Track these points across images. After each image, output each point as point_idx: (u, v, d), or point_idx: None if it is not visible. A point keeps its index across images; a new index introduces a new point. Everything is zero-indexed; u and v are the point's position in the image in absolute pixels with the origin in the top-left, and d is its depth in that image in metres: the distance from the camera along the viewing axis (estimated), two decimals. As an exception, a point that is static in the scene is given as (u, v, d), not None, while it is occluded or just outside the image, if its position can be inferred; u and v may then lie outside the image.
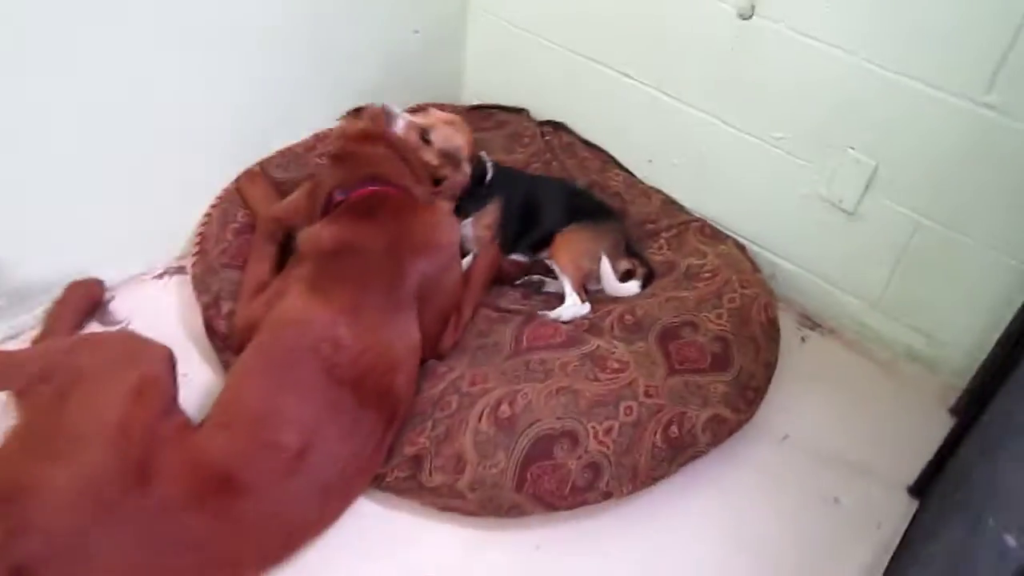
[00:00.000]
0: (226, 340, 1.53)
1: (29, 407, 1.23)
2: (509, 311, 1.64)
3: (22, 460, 1.16)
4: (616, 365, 1.43)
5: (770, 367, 1.58)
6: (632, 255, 1.79)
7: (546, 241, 1.76)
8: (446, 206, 1.69)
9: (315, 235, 1.51)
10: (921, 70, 1.50)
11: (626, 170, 1.98)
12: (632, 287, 1.72)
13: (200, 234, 1.68)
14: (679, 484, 1.47)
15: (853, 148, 1.65)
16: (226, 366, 1.53)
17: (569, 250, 1.73)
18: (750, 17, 1.67)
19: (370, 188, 1.54)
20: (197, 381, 1.51)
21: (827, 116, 1.66)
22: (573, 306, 1.66)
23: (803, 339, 1.83)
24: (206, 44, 1.60)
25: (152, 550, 1.14)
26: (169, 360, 1.31)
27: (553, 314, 1.64)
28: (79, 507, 1.11)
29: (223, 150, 1.74)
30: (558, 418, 1.35)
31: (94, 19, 1.42)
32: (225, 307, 1.55)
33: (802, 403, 1.66)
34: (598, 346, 1.48)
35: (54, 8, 1.36)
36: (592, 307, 1.67)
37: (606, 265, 1.71)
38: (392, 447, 1.38)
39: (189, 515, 1.17)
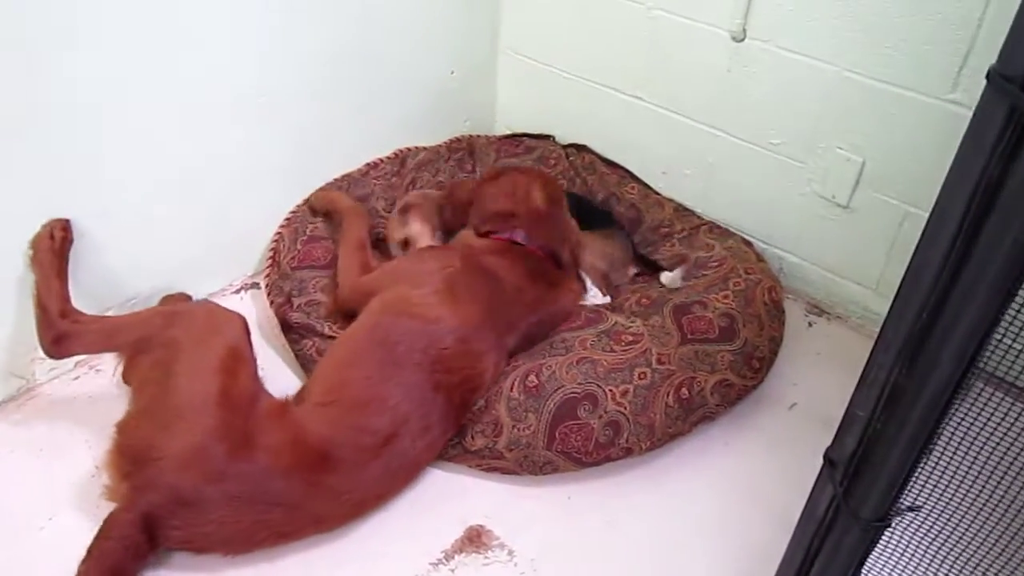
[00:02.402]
0: (330, 313, 1.73)
1: (138, 380, 1.47)
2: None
3: (144, 429, 1.38)
4: (630, 337, 1.62)
5: (775, 342, 1.75)
6: (639, 259, 1.97)
7: None
8: (577, 282, 1.86)
9: (483, 247, 1.72)
10: (896, 75, 1.69)
11: (642, 182, 2.17)
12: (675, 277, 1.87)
13: (272, 250, 1.91)
14: (694, 445, 1.65)
15: (842, 148, 1.83)
16: (301, 359, 1.72)
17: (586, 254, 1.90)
18: (743, 40, 1.88)
19: (522, 239, 1.75)
20: (273, 379, 1.62)
21: (817, 121, 1.85)
22: (594, 297, 1.86)
23: (810, 324, 2.01)
24: (270, 94, 1.85)
25: (252, 507, 1.34)
26: (246, 327, 1.51)
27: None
28: (192, 469, 1.32)
29: (288, 179, 1.99)
30: (579, 383, 1.54)
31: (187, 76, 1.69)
32: (297, 302, 1.76)
33: (809, 377, 1.83)
34: (615, 322, 1.67)
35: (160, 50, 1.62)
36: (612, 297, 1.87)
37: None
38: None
39: (286, 482, 1.36)
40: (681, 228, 2.05)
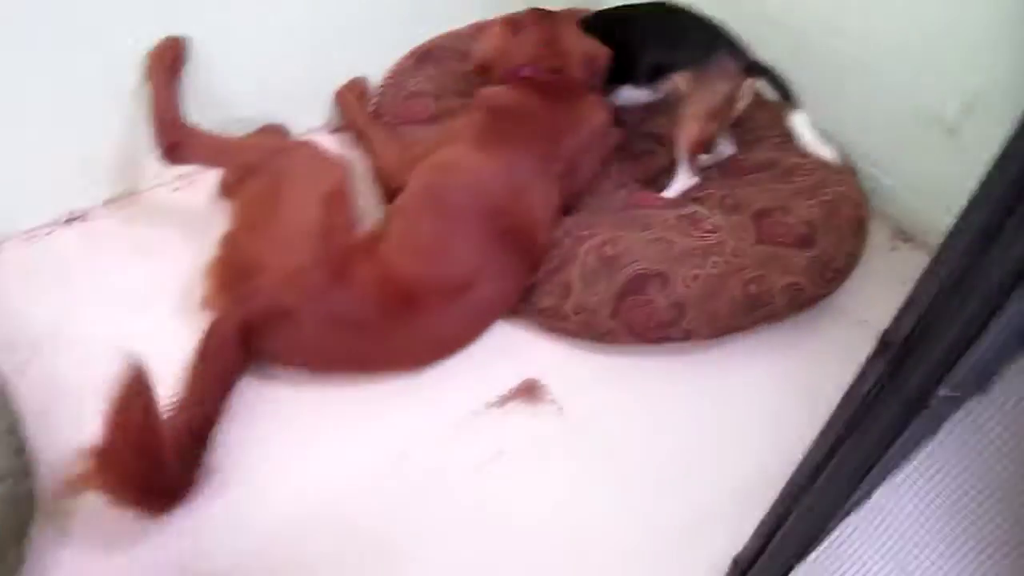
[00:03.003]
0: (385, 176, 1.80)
1: (244, 200, 1.58)
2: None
3: (250, 245, 1.50)
4: (709, 227, 1.64)
5: (852, 256, 1.74)
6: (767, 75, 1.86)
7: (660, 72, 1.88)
8: (599, 96, 1.87)
9: (496, 92, 1.76)
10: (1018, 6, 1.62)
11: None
12: (828, 151, 1.83)
13: (376, 103, 1.97)
14: (755, 343, 1.69)
15: (959, 64, 1.77)
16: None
17: (690, 109, 1.81)
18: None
19: (543, 72, 1.77)
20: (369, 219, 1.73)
21: (929, 36, 1.78)
22: (682, 181, 1.83)
23: (894, 248, 1.98)
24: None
25: (341, 331, 1.47)
26: (348, 172, 1.61)
27: (664, 194, 1.83)
28: (293, 287, 1.45)
29: (396, 30, 2.03)
30: (653, 261, 1.58)
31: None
32: None
33: (883, 299, 1.78)
34: (696, 210, 1.70)
35: None
36: (694, 194, 1.84)
37: (800, 120, 1.82)
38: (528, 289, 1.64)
39: (376, 313, 1.48)
40: (779, 134, 2.02)
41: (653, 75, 1.90)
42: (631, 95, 1.94)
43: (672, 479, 1.47)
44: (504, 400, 1.55)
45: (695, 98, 1.82)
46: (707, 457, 1.51)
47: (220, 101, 1.82)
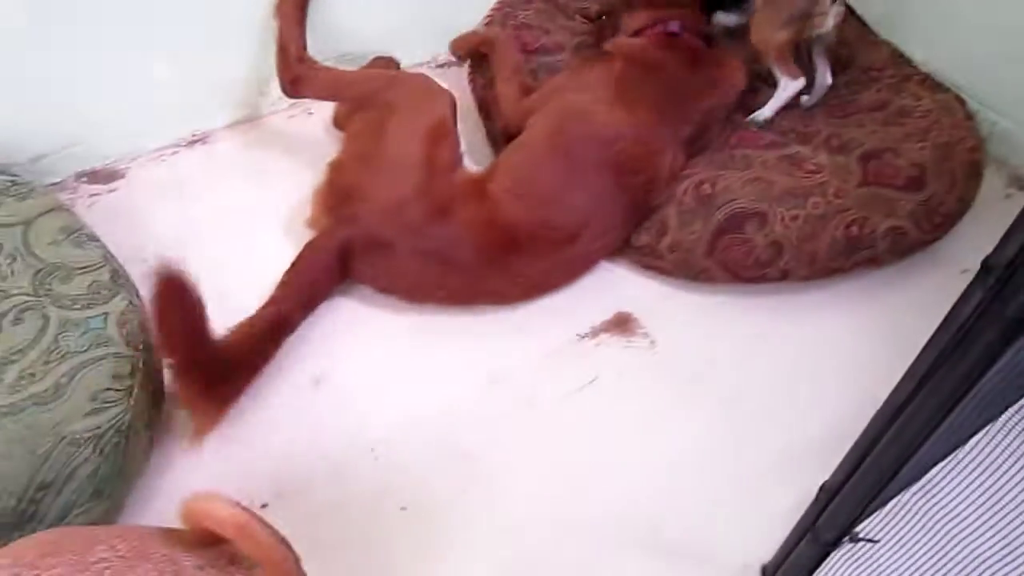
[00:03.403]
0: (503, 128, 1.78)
1: (354, 130, 1.64)
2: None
3: (354, 171, 1.56)
4: (812, 167, 1.61)
5: (964, 202, 1.68)
6: None
7: None
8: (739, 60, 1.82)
9: (636, 44, 1.73)
10: None
11: (860, 19, 2.06)
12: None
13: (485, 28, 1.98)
14: (855, 286, 1.66)
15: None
16: (494, 141, 1.82)
17: (756, 26, 1.80)
18: None
19: (677, 28, 1.75)
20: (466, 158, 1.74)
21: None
22: (786, 86, 1.78)
23: (1008, 195, 1.91)
24: None
25: (438, 266, 1.51)
26: (454, 104, 1.64)
27: (768, 109, 1.79)
28: (392, 218, 1.50)
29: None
30: (751, 200, 1.56)
31: None
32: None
33: (991, 246, 1.77)
34: (798, 151, 1.67)
35: None
36: (806, 118, 1.82)
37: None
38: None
39: (474, 254, 1.51)
40: (892, 74, 1.95)
41: None
42: (724, 19, 1.91)
43: (763, 413, 1.48)
44: (596, 332, 1.58)
45: (769, 6, 1.79)
46: (798, 394, 1.51)
47: (335, 34, 1.88)
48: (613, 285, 1.65)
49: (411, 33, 2.02)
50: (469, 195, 1.54)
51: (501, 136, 1.79)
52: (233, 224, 1.69)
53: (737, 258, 1.57)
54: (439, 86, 1.67)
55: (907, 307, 1.65)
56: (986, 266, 0.84)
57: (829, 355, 1.57)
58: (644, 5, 1.81)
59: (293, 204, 1.70)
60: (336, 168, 1.58)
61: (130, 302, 1.33)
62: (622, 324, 1.59)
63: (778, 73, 1.80)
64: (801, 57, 1.84)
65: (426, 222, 1.49)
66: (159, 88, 1.74)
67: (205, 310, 1.26)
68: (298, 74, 1.68)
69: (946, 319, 0.90)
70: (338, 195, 1.54)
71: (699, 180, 1.62)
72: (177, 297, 1.22)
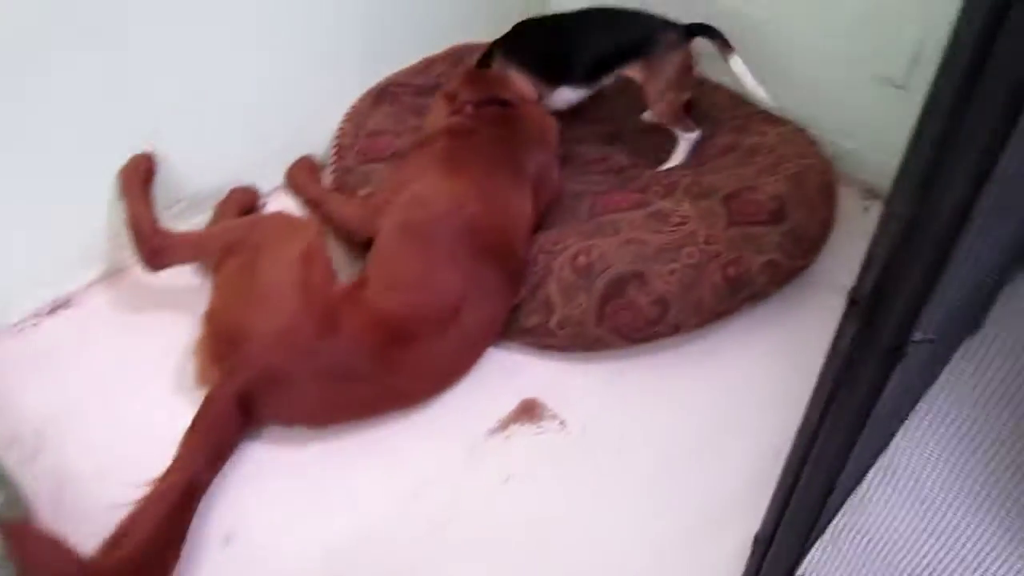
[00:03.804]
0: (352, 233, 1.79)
1: (223, 277, 1.58)
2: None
3: (232, 314, 1.51)
4: (678, 219, 1.65)
5: (826, 224, 1.75)
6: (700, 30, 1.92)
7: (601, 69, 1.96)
8: (540, 105, 1.94)
9: (451, 120, 1.79)
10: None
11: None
12: (763, 93, 1.91)
13: (337, 145, 1.98)
14: (744, 324, 1.70)
15: (900, 25, 1.80)
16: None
17: (651, 87, 1.91)
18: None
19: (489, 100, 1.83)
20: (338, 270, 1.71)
21: (869, 1, 1.81)
22: (685, 142, 1.92)
23: (866, 209, 2.00)
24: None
25: (339, 383, 1.47)
26: (321, 231, 1.62)
27: (672, 161, 1.92)
28: (283, 347, 1.45)
29: (345, 71, 2.05)
30: (628, 263, 1.58)
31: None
32: (362, 193, 1.85)
33: (862, 260, 1.84)
34: (663, 206, 1.70)
35: None
36: (666, 171, 1.90)
37: (739, 65, 1.89)
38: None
39: (370, 359, 1.47)
40: (734, 115, 2.04)
41: (592, 74, 1.97)
42: (567, 96, 2.00)
43: (686, 471, 1.47)
44: (505, 424, 1.55)
45: (654, 78, 1.90)
46: (716, 444, 1.51)
47: (187, 174, 1.84)
48: (512, 372, 1.63)
49: (267, 157, 1.99)
50: (348, 304, 1.52)
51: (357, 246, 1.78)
52: (115, 390, 1.60)
53: (627, 322, 1.57)
54: (300, 218, 1.66)
55: (798, 333, 1.69)
56: (852, 299, 0.85)
57: (738, 396, 1.59)
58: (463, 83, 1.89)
59: (178, 358, 1.63)
60: (212, 317, 1.53)
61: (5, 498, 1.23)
62: (529, 411, 1.57)
63: (676, 131, 1.92)
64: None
65: (316, 341, 1.46)
66: (6, 254, 1.66)
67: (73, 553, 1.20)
68: (156, 247, 1.64)
69: (828, 354, 0.91)
70: (221, 342, 1.49)
71: (574, 253, 1.63)
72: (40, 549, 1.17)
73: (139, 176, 1.72)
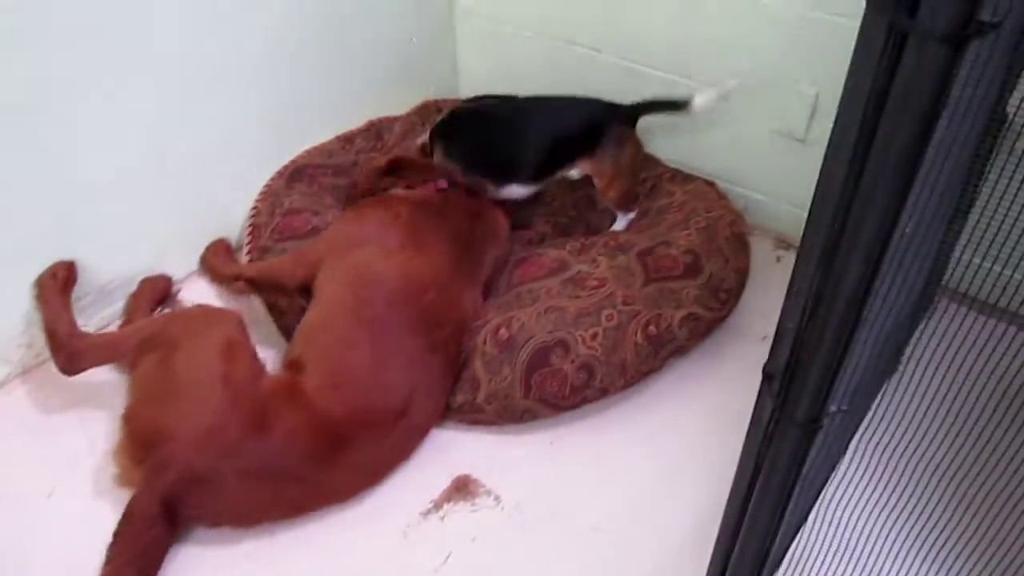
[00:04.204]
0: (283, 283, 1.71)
1: (139, 375, 1.51)
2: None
3: (151, 414, 1.43)
4: (595, 282, 1.67)
5: (741, 273, 1.79)
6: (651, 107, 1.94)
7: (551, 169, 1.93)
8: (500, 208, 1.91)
9: (413, 193, 1.76)
10: (835, 5, 1.73)
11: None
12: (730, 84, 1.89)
13: (251, 225, 1.94)
14: (669, 379, 1.71)
15: (796, 83, 1.87)
16: (284, 331, 1.74)
17: (602, 180, 1.91)
18: (692, -17, 1.91)
19: (446, 184, 1.81)
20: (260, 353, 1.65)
21: (770, 58, 1.88)
22: (624, 220, 1.97)
23: (778, 258, 2.06)
24: (231, 68, 1.87)
25: (268, 483, 1.41)
26: (241, 322, 1.56)
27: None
28: (206, 447, 1.38)
29: (259, 152, 2.02)
30: (549, 332, 1.58)
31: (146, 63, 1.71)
32: None
33: (779, 309, 1.88)
34: (579, 270, 1.72)
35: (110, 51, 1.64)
36: (582, 239, 1.92)
37: (705, 98, 1.86)
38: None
39: (303, 461, 1.41)
40: (644, 178, 2.08)
41: (541, 173, 1.93)
42: (518, 192, 1.96)
43: (624, 535, 1.46)
44: (439, 504, 1.51)
45: (604, 171, 1.90)
46: (655, 503, 1.51)
47: (88, 266, 1.78)
48: (443, 450, 1.60)
49: (180, 242, 1.95)
50: (282, 400, 1.45)
51: (291, 304, 1.73)
52: (28, 499, 1.51)
53: (554, 391, 1.57)
54: (218, 308, 1.61)
55: (723, 384, 1.72)
56: (767, 374, 0.87)
57: (670, 453, 1.59)
58: (411, 166, 1.85)
59: (96, 459, 1.56)
60: (130, 417, 1.45)
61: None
62: (462, 488, 1.54)
63: (620, 213, 1.95)
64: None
65: (243, 441, 1.39)
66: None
67: None
68: (72, 350, 1.58)
69: (750, 428, 0.92)
70: (141, 444, 1.41)
71: (495, 327, 1.62)
72: None
73: (57, 283, 1.66)
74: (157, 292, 1.86)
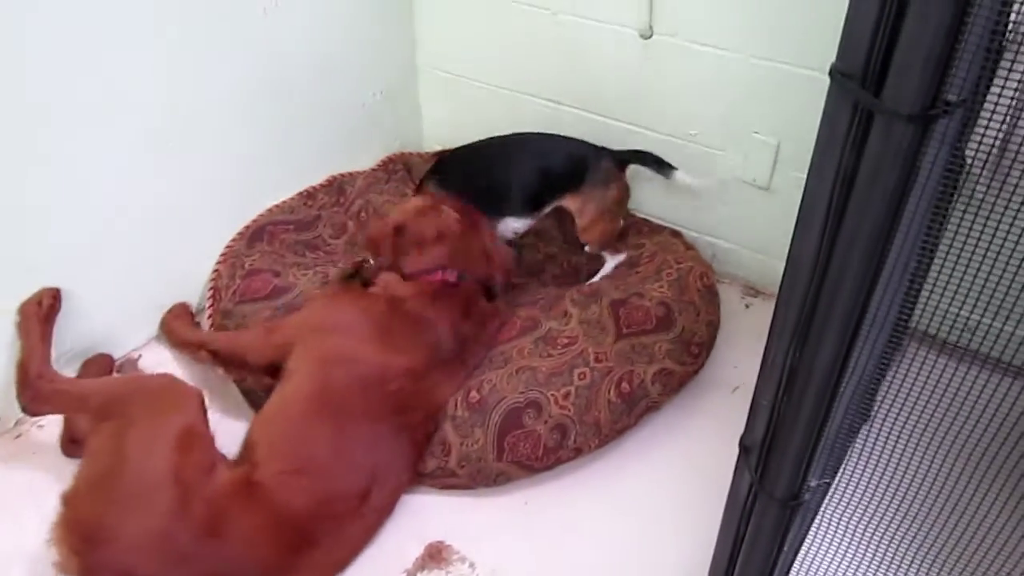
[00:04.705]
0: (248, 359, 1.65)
1: (91, 449, 1.41)
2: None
3: (94, 505, 1.32)
4: (566, 340, 1.65)
5: (712, 326, 1.79)
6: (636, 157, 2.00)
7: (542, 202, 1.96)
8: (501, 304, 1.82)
9: (406, 290, 1.65)
10: (794, 56, 1.75)
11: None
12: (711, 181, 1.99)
13: (212, 288, 1.90)
14: (643, 436, 1.69)
15: (757, 132, 1.89)
16: (249, 396, 1.71)
17: (584, 217, 1.93)
18: (650, 36, 1.92)
19: (455, 278, 1.70)
20: (222, 428, 1.56)
21: (730, 108, 1.89)
22: (611, 263, 1.97)
23: (747, 306, 2.06)
24: (188, 132, 1.84)
25: None
26: (203, 404, 1.48)
27: (599, 277, 1.95)
28: (151, 553, 1.27)
29: (219, 214, 1.99)
30: (521, 392, 1.56)
31: (103, 121, 1.67)
32: None
33: (750, 358, 1.88)
34: (549, 328, 1.70)
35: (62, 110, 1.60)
36: (559, 289, 1.91)
37: (686, 177, 1.96)
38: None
39: (264, 564, 1.34)
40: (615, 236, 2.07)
41: (533, 206, 1.96)
42: (514, 226, 1.98)
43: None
44: (412, 573, 1.47)
45: (587, 209, 1.93)
46: (633, 566, 1.47)
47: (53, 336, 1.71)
48: (416, 517, 1.56)
49: (138, 310, 1.90)
50: (237, 499, 1.36)
51: (256, 382, 1.68)
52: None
53: (527, 452, 1.54)
54: (182, 385, 1.51)
55: (699, 438, 1.70)
56: (744, 446, 0.85)
57: (647, 513, 1.56)
58: (416, 246, 1.74)
59: (40, 541, 1.48)
60: (70, 501, 1.34)
61: None
62: (436, 556, 1.50)
63: (606, 254, 1.96)
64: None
65: (194, 547, 1.29)
66: None
67: None
68: (38, 392, 1.51)
69: (728, 503, 0.90)
70: (79, 535, 1.30)
71: (466, 390, 1.60)
72: None
73: (41, 311, 1.62)
74: (98, 373, 1.79)
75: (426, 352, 1.59)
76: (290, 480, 1.39)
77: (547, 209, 1.97)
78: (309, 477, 1.41)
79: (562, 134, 2.03)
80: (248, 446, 1.48)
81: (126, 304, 1.87)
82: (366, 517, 1.46)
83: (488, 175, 1.97)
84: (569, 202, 1.94)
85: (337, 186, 2.21)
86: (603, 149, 1.97)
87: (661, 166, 1.97)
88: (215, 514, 1.32)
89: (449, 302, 1.66)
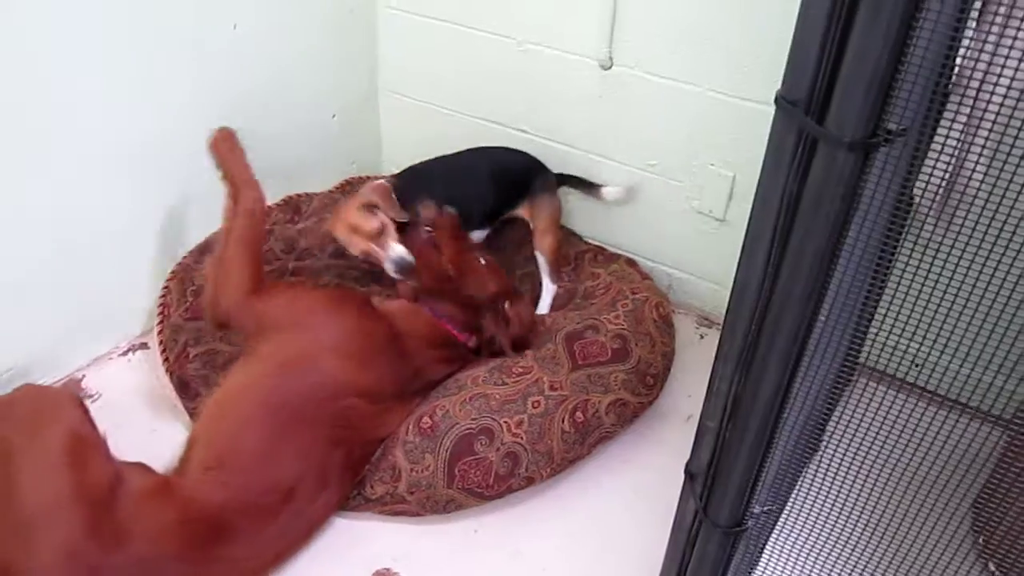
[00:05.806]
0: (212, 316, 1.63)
1: None
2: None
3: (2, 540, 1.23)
4: (520, 370, 1.64)
5: (667, 357, 1.79)
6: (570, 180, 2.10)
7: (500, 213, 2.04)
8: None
9: (405, 318, 1.66)
10: (751, 91, 1.78)
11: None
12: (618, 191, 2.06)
13: (161, 305, 1.85)
14: (596, 465, 1.68)
15: (714, 164, 1.91)
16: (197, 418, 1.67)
17: (539, 223, 2.01)
18: (610, 67, 1.95)
19: (470, 342, 1.73)
20: (169, 441, 1.57)
21: (688, 140, 1.92)
22: (548, 294, 2.00)
23: (701, 336, 2.07)
24: (144, 153, 1.82)
25: None
26: (78, 401, 1.38)
27: (539, 310, 1.97)
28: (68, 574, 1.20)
29: (170, 234, 1.96)
30: (473, 419, 1.54)
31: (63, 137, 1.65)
32: (194, 352, 1.73)
33: (703, 389, 1.86)
34: (503, 360, 1.69)
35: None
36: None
37: (613, 192, 2.05)
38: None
39: (178, 564, 1.28)
40: (565, 254, 2.08)
41: (490, 218, 2.03)
42: (477, 235, 2.01)
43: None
44: (358, 602, 1.44)
45: (541, 216, 2.01)
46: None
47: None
48: (363, 543, 1.53)
49: (83, 328, 1.86)
50: (147, 503, 1.30)
51: (211, 323, 1.64)
52: None
53: (477, 480, 1.52)
54: (50, 391, 1.43)
55: (652, 468, 1.69)
56: (689, 473, 0.84)
57: (598, 543, 1.55)
58: (459, 294, 1.75)
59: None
60: None
61: None
62: (383, 584, 1.47)
63: (550, 275, 2.00)
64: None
65: (104, 558, 1.23)
66: None
67: None
68: None
69: (673, 530, 0.89)
70: None
71: (418, 415, 1.58)
72: None
73: None
74: None
75: (394, 383, 1.59)
76: (210, 475, 1.36)
77: (503, 218, 2.06)
78: (229, 471, 1.37)
79: (504, 146, 2.12)
80: (190, 443, 1.44)
81: (67, 324, 1.82)
82: (290, 518, 1.41)
83: (447, 192, 1.95)
84: (525, 211, 2.03)
85: (293, 205, 2.19)
86: (542, 164, 2.07)
87: (589, 188, 2.07)
88: (122, 520, 1.26)
89: (446, 353, 1.69)
